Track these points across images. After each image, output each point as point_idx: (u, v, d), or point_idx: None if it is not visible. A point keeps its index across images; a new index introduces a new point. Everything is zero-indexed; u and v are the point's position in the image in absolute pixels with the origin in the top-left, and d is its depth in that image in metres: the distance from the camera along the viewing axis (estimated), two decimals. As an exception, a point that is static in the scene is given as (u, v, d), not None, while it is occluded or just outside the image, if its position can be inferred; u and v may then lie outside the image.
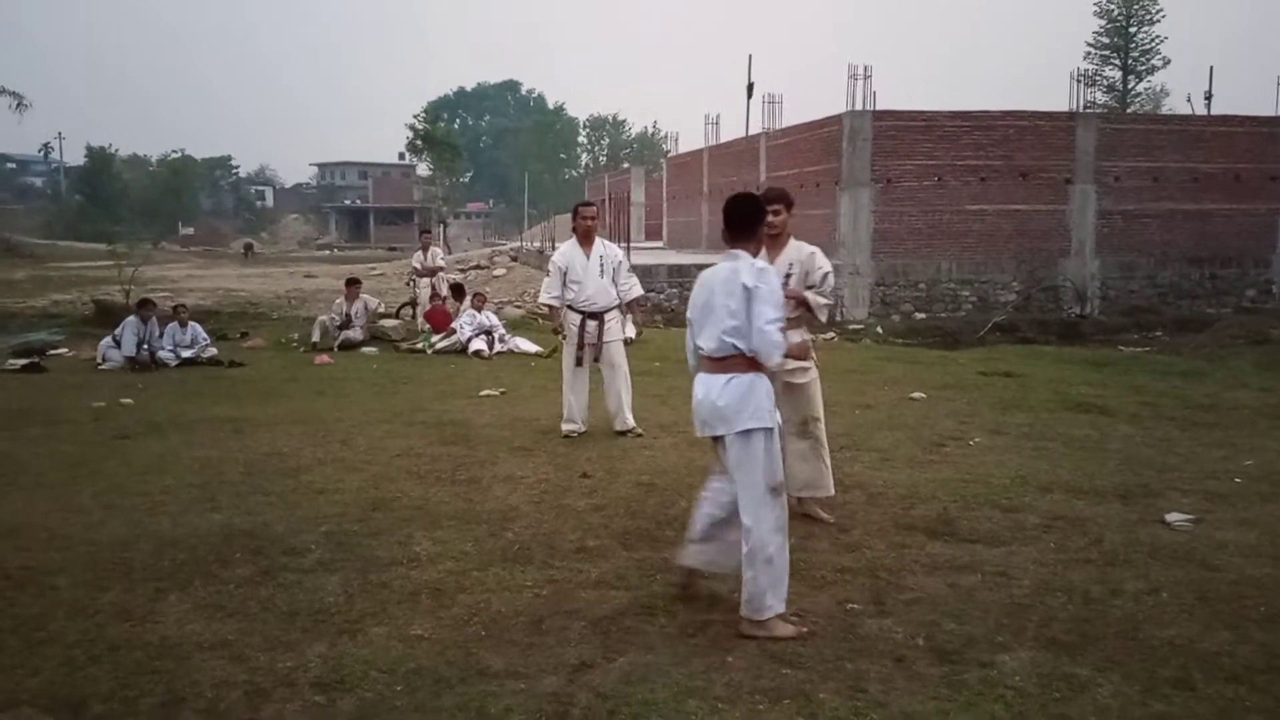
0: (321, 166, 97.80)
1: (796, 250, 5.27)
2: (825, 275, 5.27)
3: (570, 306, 7.72)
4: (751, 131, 27.77)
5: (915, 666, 3.54)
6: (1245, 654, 3.65)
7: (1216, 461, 6.77)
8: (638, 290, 8.00)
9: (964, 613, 4.03)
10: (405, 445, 7.23)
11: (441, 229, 50.55)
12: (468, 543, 4.94)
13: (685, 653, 3.66)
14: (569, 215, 7.98)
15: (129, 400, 9.40)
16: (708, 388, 3.92)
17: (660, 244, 33.92)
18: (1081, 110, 23.58)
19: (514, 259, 27.67)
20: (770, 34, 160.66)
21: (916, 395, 9.58)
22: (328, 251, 61.17)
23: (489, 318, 14.09)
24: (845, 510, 5.53)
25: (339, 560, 4.67)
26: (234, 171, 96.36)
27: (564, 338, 7.86)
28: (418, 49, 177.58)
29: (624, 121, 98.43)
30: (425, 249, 16.48)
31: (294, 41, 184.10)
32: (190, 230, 70.67)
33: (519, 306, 18.68)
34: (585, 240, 7.74)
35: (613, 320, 7.77)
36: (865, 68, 21.65)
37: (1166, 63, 51.43)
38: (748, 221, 4.03)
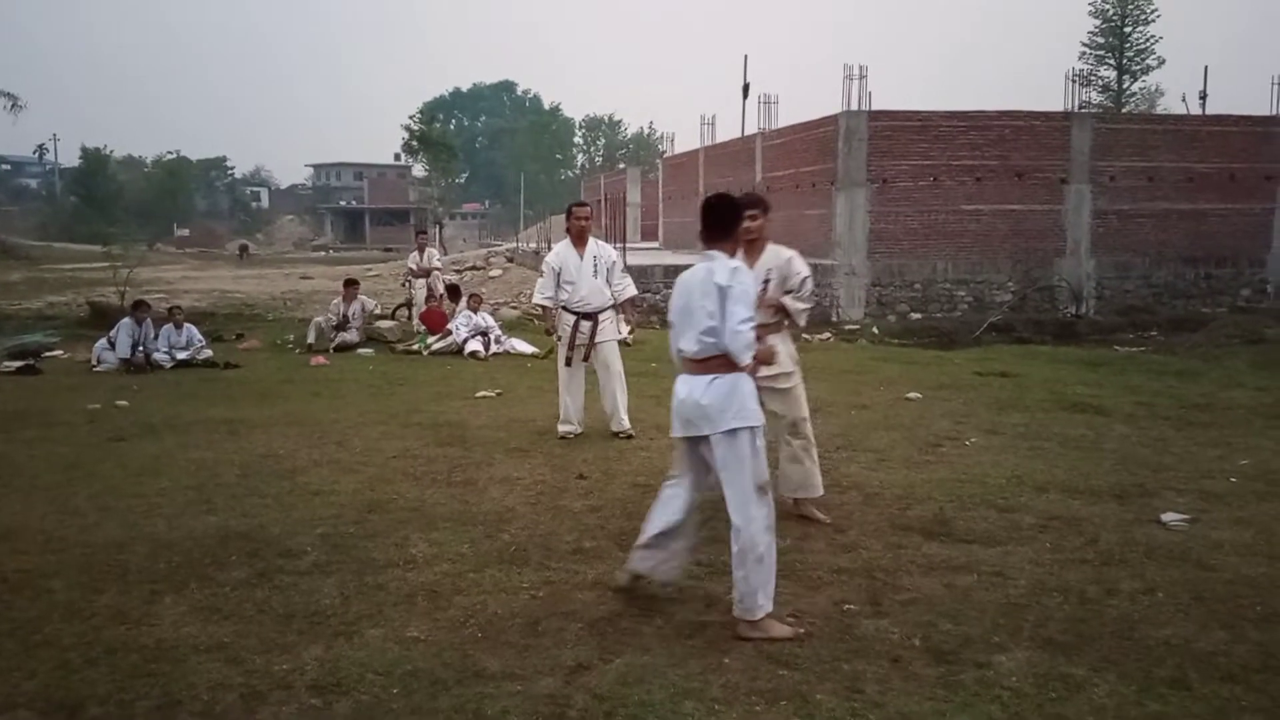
0: (317, 167, 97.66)
1: (774, 255, 5.31)
2: (803, 280, 5.30)
3: (564, 307, 7.72)
4: (747, 132, 27.79)
5: (912, 667, 3.54)
6: (1241, 653, 3.65)
7: (1212, 461, 6.78)
8: (631, 290, 8.00)
9: (960, 613, 4.03)
10: (401, 447, 7.23)
11: (437, 230, 50.53)
12: (464, 544, 4.94)
13: (682, 654, 3.66)
14: (565, 216, 7.98)
15: (124, 402, 9.38)
16: (690, 388, 3.94)
17: (656, 244, 33.92)
18: (1077, 110, 23.61)
19: (510, 260, 27.65)
20: (766, 35, 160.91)
21: (912, 395, 9.59)
22: (323, 253, 61.10)
23: (485, 319, 14.07)
24: (842, 511, 5.54)
25: (335, 562, 4.67)
26: (229, 172, 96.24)
27: (558, 338, 7.86)
28: (413, 49, 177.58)
29: (620, 122, 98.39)
30: (421, 250, 16.46)
31: (289, 42, 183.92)
32: (185, 232, 70.56)
33: (515, 307, 18.67)
34: (579, 240, 7.74)
35: (607, 321, 7.76)
36: (861, 68, 21.65)
37: (1161, 62, 51.50)
38: (724, 223, 4.06)
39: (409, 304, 16.43)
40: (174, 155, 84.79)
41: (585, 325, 7.66)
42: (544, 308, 8.02)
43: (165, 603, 4.17)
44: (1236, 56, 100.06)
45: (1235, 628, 3.89)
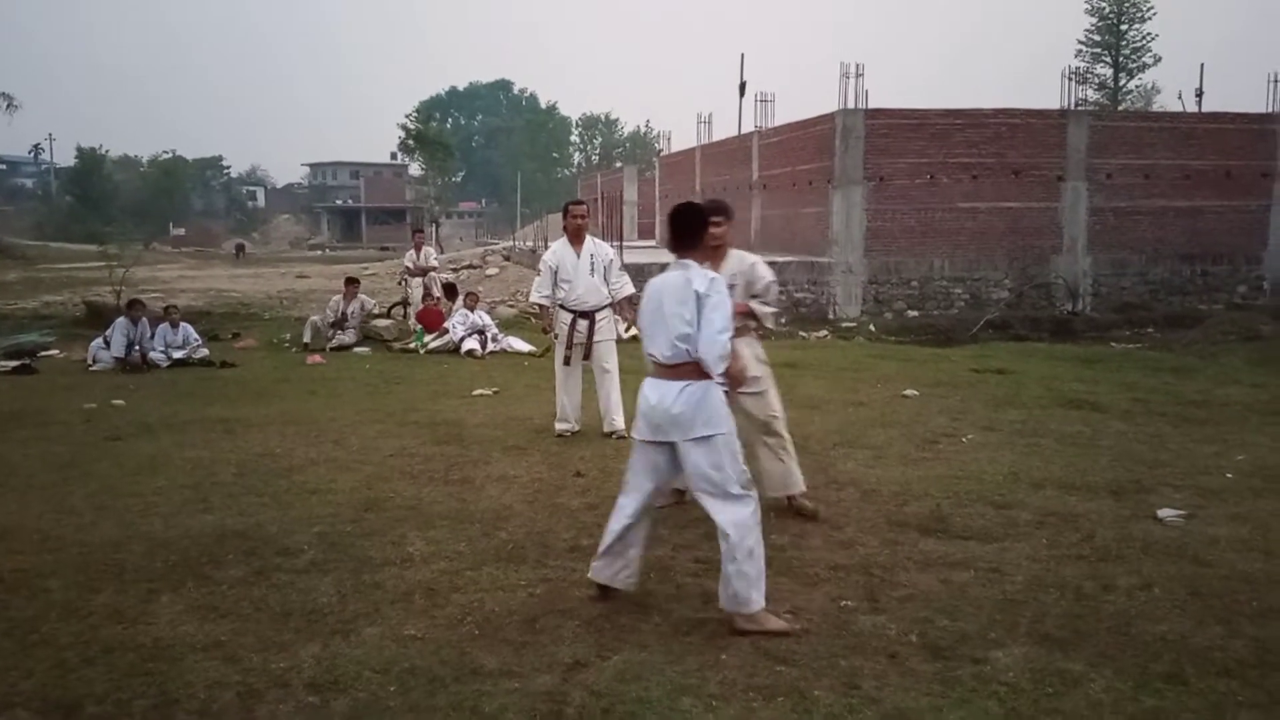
0: (313, 166, 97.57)
1: (739, 260, 5.37)
2: (768, 285, 5.37)
3: (561, 305, 7.71)
4: (744, 130, 27.80)
5: (909, 663, 3.55)
6: (1237, 649, 3.66)
7: (1208, 457, 6.79)
8: (629, 289, 7.99)
9: (957, 609, 4.04)
10: (398, 445, 7.22)
11: (434, 229, 50.49)
12: (461, 542, 4.93)
13: (679, 650, 3.66)
14: (561, 214, 7.97)
15: (120, 401, 9.37)
16: (662, 394, 3.93)
17: (654, 243, 33.90)
18: (1073, 108, 23.65)
19: (507, 258, 27.64)
20: (762, 33, 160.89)
21: (909, 393, 9.60)
22: (320, 252, 61.07)
23: (482, 317, 14.07)
24: (839, 508, 5.54)
25: (332, 561, 4.66)
26: (225, 172, 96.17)
27: (555, 337, 7.86)
28: (410, 48, 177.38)
29: (616, 120, 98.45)
30: (418, 248, 16.45)
31: (285, 41, 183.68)
32: (182, 231, 70.49)
33: (512, 306, 18.66)
34: (576, 239, 7.73)
35: (604, 320, 7.75)
36: (857, 66, 21.68)
37: (1157, 60, 51.62)
38: (691, 230, 4.11)
39: (406, 302, 16.42)
40: (170, 155, 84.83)
41: (582, 324, 7.65)
42: (541, 306, 8.01)
43: (162, 601, 4.17)
44: (1233, 54, 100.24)
45: (1231, 623, 3.90)
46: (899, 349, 15.12)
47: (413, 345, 13.87)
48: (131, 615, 4.01)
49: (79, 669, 3.53)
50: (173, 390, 10.26)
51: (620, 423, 7.65)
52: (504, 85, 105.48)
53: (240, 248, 56.16)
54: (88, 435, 7.75)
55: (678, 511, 5.25)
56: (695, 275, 3.94)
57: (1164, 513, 5.35)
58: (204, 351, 12.68)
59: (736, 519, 3.87)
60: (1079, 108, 24.30)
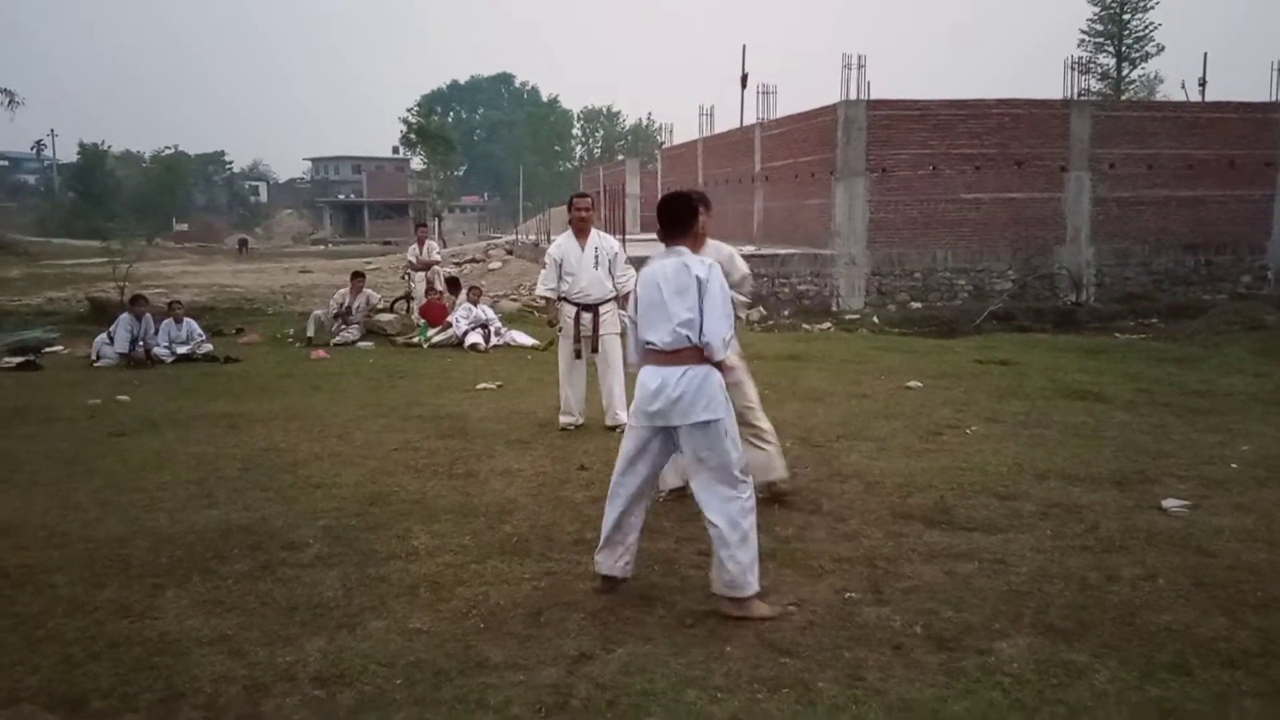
0: (315, 161, 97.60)
1: (715, 251, 5.39)
2: (744, 276, 5.47)
3: (565, 299, 7.71)
4: (746, 122, 27.74)
5: (913, 654, 3.55)
6: (1241, 639, 3.66)
7: (1212, 447, 6.78)
8: (634, 283, 7.97)
9: (961, 600, 4.04)
10: (402, 439, 7.23)
11: (436, 223, 50.48)
12: (466, 536, 4.94)
13: (684, 643, 3.67)
14: (564, 208, 7.96)
15: (125, 397, 9.38)
16: (663, 379, 3.93)
17: (655, 235, 33.88)
18: (1076, 98, 23.59)
19: (509, 252, 27.64)
20: (764, 24, 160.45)
21: (913, 384, 9.59)
22: (322, 246, 61.10)
23: (485, 311, 14.06)
24: (843, 499, 5.55)
25: (337, 555, 4.67)
26: (227, 167, 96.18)
27: (559, 330, 7.86)
28: (411, 42, 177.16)
29: (618, 113, 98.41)
30: (421, 243, 16.44)
31: (287, 36, 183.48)
32: (184, 226, 70.57)
33: (515, 300, 18.66)
34: (580, 232, 7.72)
35: (608, 314, 7.74)
36: (860, 57, 21.66)
37: (1160, 49, 51.39)
38: (682, 219, 4.14)
39: (409, 297, 16.42)
40: (172, 150, 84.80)
41: (586, 317, 7.65)
42: (546, 299, 8.01)
43: (168, 596, 4.18)
44: (1236, 43, 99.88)
45: (1236, 613, 3.89)
46: (902, 341, 15.10)
47: (416, 340, 13.88)
48: (137, 610, 4.03)
49: (85, 664, 3.54)
50: (177, 386, 10.28)
51: (624, 416, 7.63)
52: (505, 79, 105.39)
53: (243, 243, 56.19)
54: (92, 431, 7.77)
55: (681, 504, 5.25)
56: (692, 262, 3.95)
57: (1168, 503, 5.35)
58: (208, 347, 12.69)
59: (726, 509, 3.89)
60: (1082, 98, 24.25)
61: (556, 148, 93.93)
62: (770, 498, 5.38)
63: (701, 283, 3.88)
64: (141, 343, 12.09)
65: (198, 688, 3.36)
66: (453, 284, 15.96)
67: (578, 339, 7.64)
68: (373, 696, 3.30)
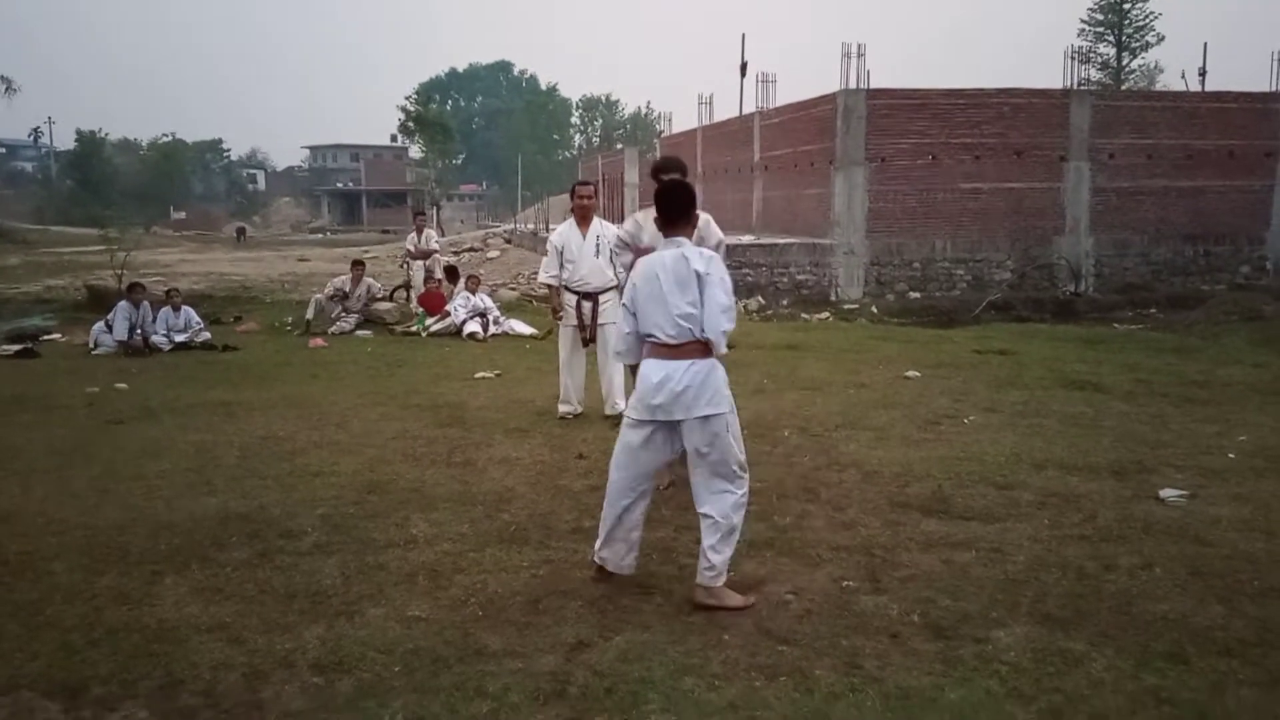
0: (313, 149, 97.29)
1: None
2: (719, 243, 5.39)
3: (566, 286, 7.70)
4: (745, 111, 27.68)
5: (910, 643, 3.56)
6: (1238, 628, 3.67)
7: (1210, 437, 6.79)
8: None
9: (959, 589, 4.05)
10: (400, 428, 7.23)
11: (435, 211, 50.38)
12: (464, 524, 4.95)
13: (681, 631, 3.68)
14: (563, 196, 7.96)
15: (123, 385, 9.37)
16: (667, 372, 3.89)
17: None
18: (1076, 87, 23.56)
19: (508, 241, 27.61)
20: (763, 13, 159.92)
21: (911, 374, 9.59)
22: (321, 235, 61.04)
23: (483, 300, 14.05)
24: (840, 489, 5.55)
25: (336, 543, 4.68)
26: (225, 155, 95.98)
27: (560, 318, 7.85)
28: (410, 29, 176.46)
29: (617, 102, 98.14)
30: (419, 231, 16.41)
31: (285, 23, 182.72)
32: (182, 214, 70.45)
33: (513, 288, 18.65)
34: (582, 220, 7.70)
35: (608, 303, 7.73)
36: (859, 46, 21.61)
37: (1161, 39, 51.31)
38: (681, 208, 4.07)
39: (407, 285, 16.40)
40: (169, 138, 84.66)
41: (586, 306, 7.64)
42: (549, 287, 8.00)
43: (166, 584, 4.18)
44: (1236, 33, 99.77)
45: (1233, 602, 3.90)
46: (901, 330, 15.11)
47: (414, 328, 13.87)
48: (136, 597, 4.03)
49: (84, 651, 3.55)
50: (175, 374, 10.27)
51: (623, 405, 7.62)
52: (504, 67, 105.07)
53: (241, 231, 56.11)
54: (90, 419, 7.76)
55: (679, 493, 5.25)
56: (691, 254, 3.92)
57: (1166, 493, 5.36)
58: (206, 335, 12.67)
59: (721, 502, 3.90)
60: (1082, 87, 24.22)
61: (555, 136, 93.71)
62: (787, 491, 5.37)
63: (701, 277, 3.85)
64: (140, 331, 12.08)
65: (197, 674, 3.36)
66: (451, 273, 15.93)
67: (582, 327, 7.64)
68: (371, 684, 3.30)
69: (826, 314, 18.05)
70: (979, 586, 4.08)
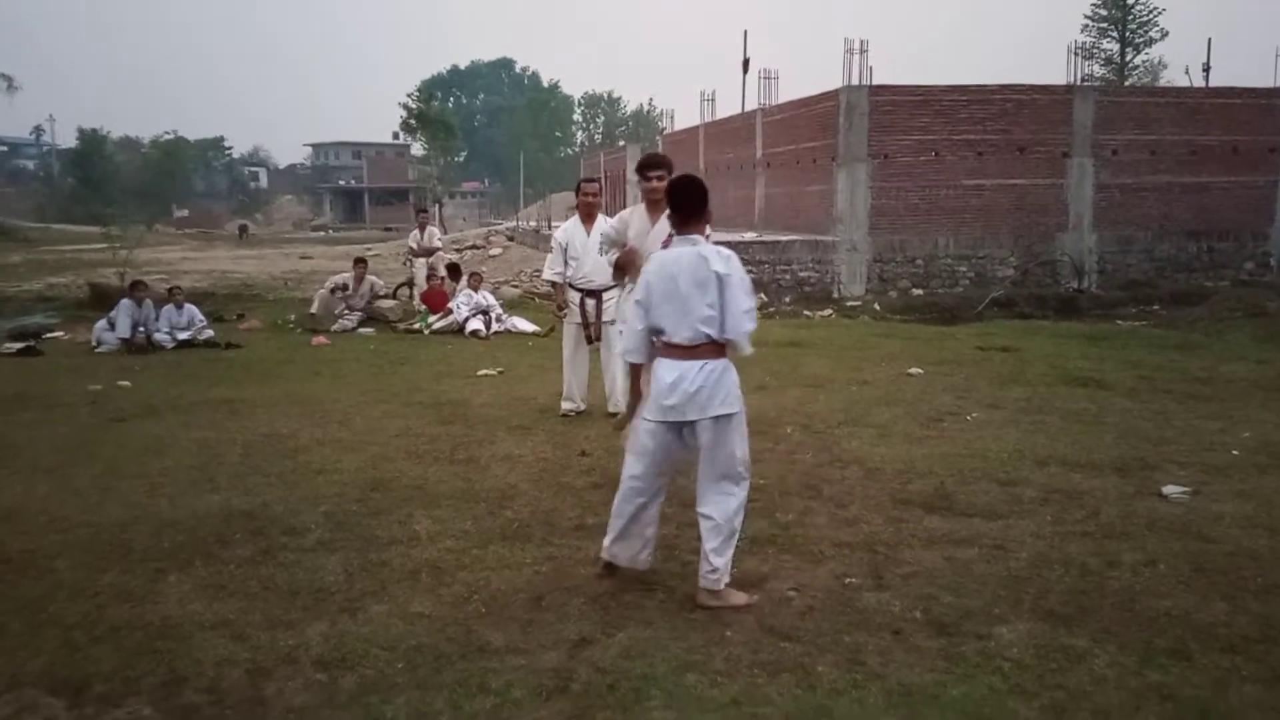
0: (315, 147, 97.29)
1: None
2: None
3: (570, 284, 7.71)
4: (748, 108, 27.65)
5: (913, 639, 3.56)
6: (1241, 624, 3.67)
7: (1213, 434, 6.78)
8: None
9: (961, 586, 4.05)
10: (403, 425, 7.24)
11: (437, 209, 50.37)
12: (467, 521, 4.95)
13: (684, 627, 3.68)
14: (565, 194, 7.98)
15: (126, 383, 9.39)
16: (680, 373, 3.87)
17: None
18: (1079, 83, 23.50)
19: (510, 238, 27.61)
20: (766, 9, 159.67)
21: (914, 371, 9.58)
22: (323, 233, 61.06)
23: (486, 297, 14.05)
24: (843, 486, 5.55)
25: (339, 539, 4.68)
26: (227, 153, 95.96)
27: (564, 315, 7.85)
28: (411, 27, 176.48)
29: (619, 99, 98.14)
30: (422, 229, 16.40)
31: (287, 21, 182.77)
32: (184, 212, 70.48)
33: (516, 286, 18.65)
34: (587, 218, 7.71)
35: (611, 300, 7.73)
36: (861, 42, 21.59)
37: (1164, 35, 51.19)
38: (695, 204, 3.99)
39: (410, 283, 16.40)
40: (171, 136, 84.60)
41: (589, 303, 7.64)
42: (554, 284, 8.01)
43: (169, 581, 4.19)
44: (1240, 29, 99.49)
45: (1236, 599, 3.90)
46: (904, 327, 15.09)
47: (417, 326, 13.87)
48: (139, 594, 4.04)
49: (87, 648, 3.55)
50: (178, 371, 10.28)
51: (624, 404, 7.63)
52: (506, 64, 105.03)
53: (243, 229, 56.16)
54: (93, 417, 7.77)
55: (681, 489, 5.25)
56: (710, 254, 3.87)
57: (1169, 489, 5.35)
58: (209, 333, 12.68)
59: (724, 504, 3.90)
60: (1085, 83, 24.15)
61: (557, 133, 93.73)
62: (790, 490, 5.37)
63: (721, 278, 3.81)
64: (142, 328, 12.09)
65: (200, 671, 3.37)
66: (454, 270, 15.94)
67: (587, 325, 7.65)
68: (374, 680, 3.31)
69: (829, 311, 18.03)
70: (981, 583, 4.08)
